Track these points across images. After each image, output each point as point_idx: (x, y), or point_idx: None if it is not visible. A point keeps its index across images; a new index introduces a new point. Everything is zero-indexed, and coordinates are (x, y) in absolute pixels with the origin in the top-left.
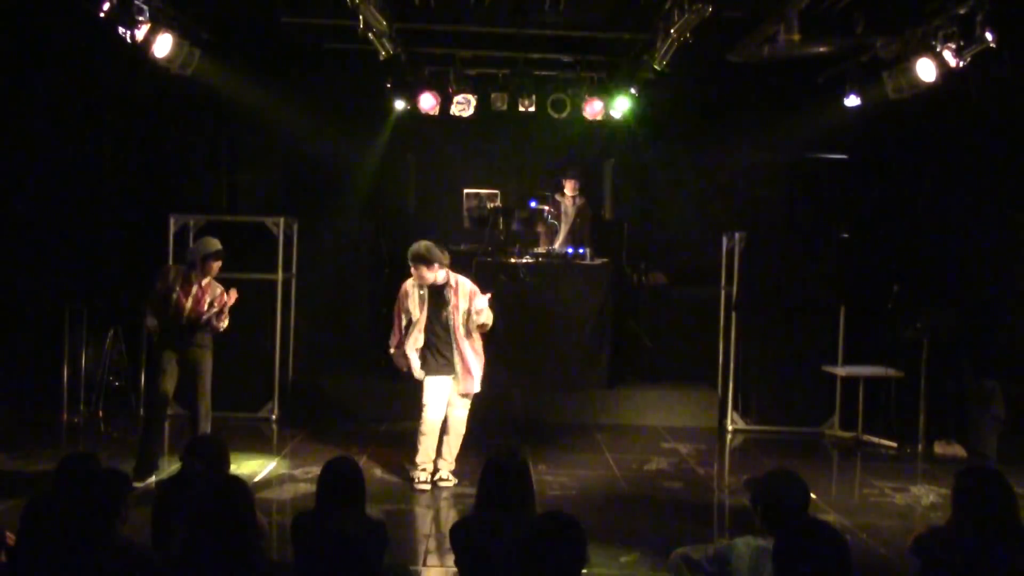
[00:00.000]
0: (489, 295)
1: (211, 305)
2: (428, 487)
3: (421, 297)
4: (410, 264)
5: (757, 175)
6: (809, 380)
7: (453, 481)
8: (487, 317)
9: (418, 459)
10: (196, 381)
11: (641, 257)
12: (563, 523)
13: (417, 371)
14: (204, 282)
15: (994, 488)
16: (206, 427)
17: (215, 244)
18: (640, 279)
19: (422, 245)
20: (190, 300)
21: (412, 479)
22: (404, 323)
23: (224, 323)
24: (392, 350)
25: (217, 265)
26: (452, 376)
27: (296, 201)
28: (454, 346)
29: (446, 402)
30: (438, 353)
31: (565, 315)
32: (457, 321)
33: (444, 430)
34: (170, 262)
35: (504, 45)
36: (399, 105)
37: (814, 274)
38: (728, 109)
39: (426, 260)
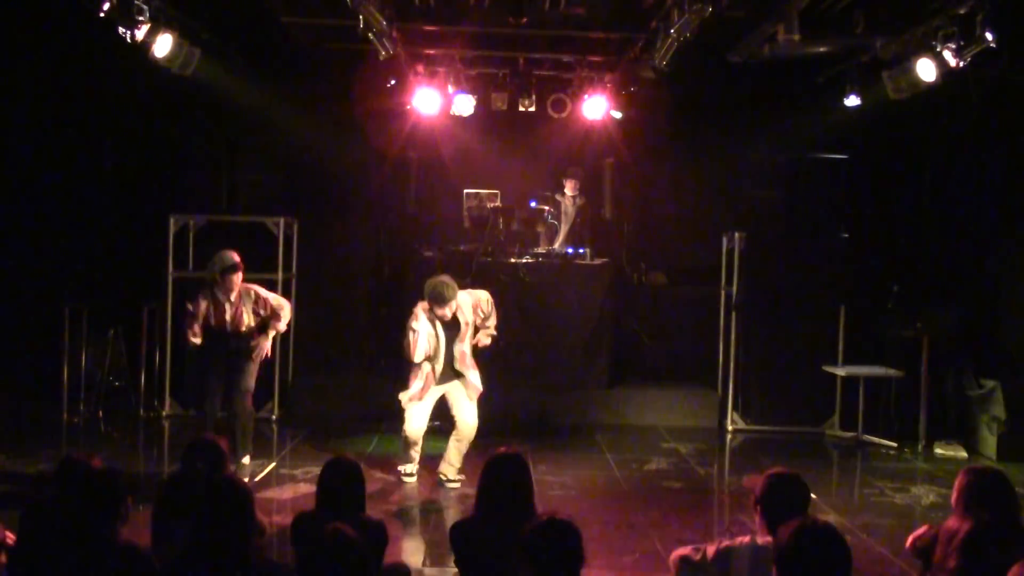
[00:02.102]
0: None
1: (255, 313)
2: (414, 479)
3: (433, 334)
4: (430, 304)
5: (757, 175)
6: (809, 380)
7: (461, 479)
8: (493, 320)
9: (405, 456)
10: (238, 382)
11: (641, 257)
12: (562, 523)
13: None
14: (233, 296)
15: (995, 488)
16: (246, 428)
17: (231, 258)
18: (640, 279)
19: (441, 285)
20: (228, 316)
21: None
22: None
23: (281, 325)
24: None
25: (236, 278)
26: (460, 381)
27: (296, 201)
28: (459, 359)
29: (427, 420)
30: (446, 368)
31: (565, 315)
32: (466, 337)
33: (455, 435)
34: (170, 263)
35: (504, 45)
36: (400, 104)
37: (814, 274)
38: (728, 109)
39: (446, 300)
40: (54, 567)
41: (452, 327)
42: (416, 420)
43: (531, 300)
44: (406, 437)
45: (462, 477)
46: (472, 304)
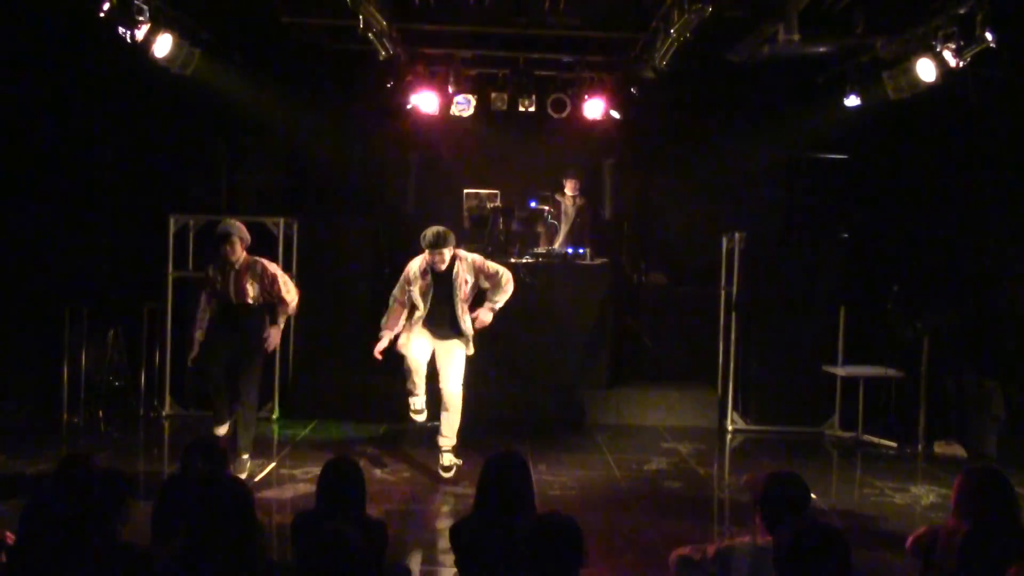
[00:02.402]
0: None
1: (262, 287)
2: (423, 415)
3: (426, 284)
4: (429, 249)
5: (757, 175)
6: (809, 380)
7: (458, 462)
8: (503, 297)
9: (408, 386)
10: (247, 370)
11: (641, 257)
12: (562, 523)
13: (402, 343)
14: (237, 266)
15: (994, 488)
16: (249, 423)
17: (223, 228)
18: (640, 279)
19: (440, 230)
20: (232, 286)
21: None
22: (405, 312)
23: (289, 306)
24: (384, 331)
25: (227, 249)
26: (450, 343)
27: (296, 201)
28: (457, 317)
29: (429, 351)
30: (438, 326)
31: (565, 315)
32: (462, 294)
33: (442, 407)
34: (170, 263)
35: (504, 45)
36: (399, 105)
37: (814, 274)
38: (728, 109)
39: (446, 243)
40: (54, 567)
41: (443, 283)
42: (414, 350)
43: (531, 300)
44: (406, 365)
45: (459, 461)
46: (476, 264)
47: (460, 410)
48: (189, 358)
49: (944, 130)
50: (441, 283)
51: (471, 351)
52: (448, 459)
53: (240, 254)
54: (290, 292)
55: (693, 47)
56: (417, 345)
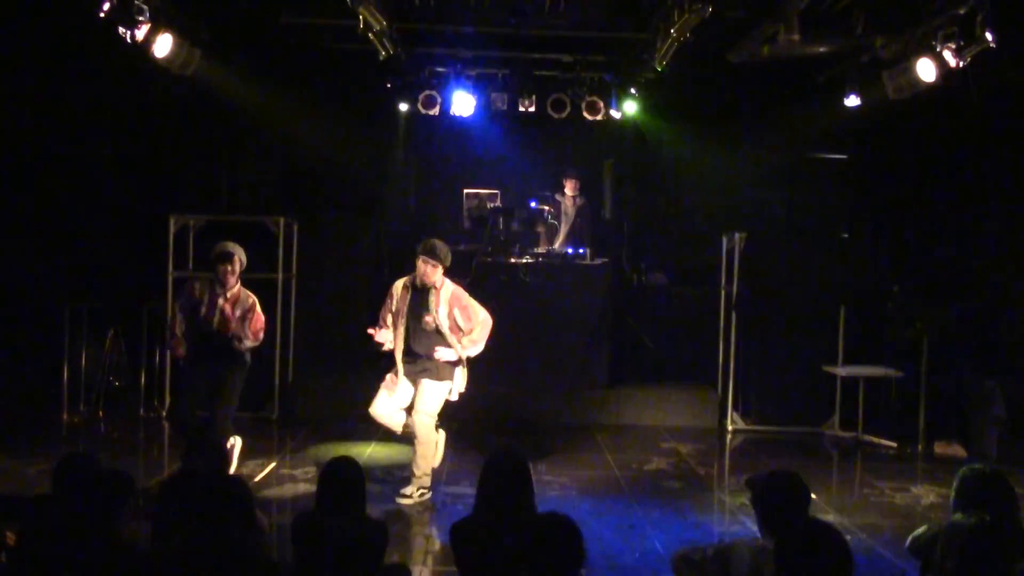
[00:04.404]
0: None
1: (242, 319)
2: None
3: (406, 300)
4: (419, 256)
5: (757, 175)
6: (809, 380)
7: (428, 495)
8: (477, 340)
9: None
10: (219, 395)
11: (641, 257)
12: (562, 523)
13: (396, 378)
14: (229, 292)
15: (994, 488)
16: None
17: (220, 247)
18: (640, 279)
19: (437, 242)
20: (217, 312)
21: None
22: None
23: (246, 343)
24: (376, 335)
25: (225, 268)
26: (427, 376)
27: (296, 201)
28: (430, 345)
29: (397, 403)
30: (412, 353)
31: (565, 315)
32: (437, 321)
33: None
34: (170, 263)
35: (504, 45)
36: (399, 105)
37: (814, 274)
38: (728, 109)
39: (438, 258)
40: (54, 567)
41: (421, 303)
42: (378, 402)
43: (531, 300)
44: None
45: (428, 494)
46: (455, 294)
47: (432, 444)
48: (169, 347)
49: (944, 130)
50: (418, 300)
51: (460, 385)
52: (411, 489)
53: (236, 280)
54: (250, 339)
55: (693, 47)
56: (383, 401)
